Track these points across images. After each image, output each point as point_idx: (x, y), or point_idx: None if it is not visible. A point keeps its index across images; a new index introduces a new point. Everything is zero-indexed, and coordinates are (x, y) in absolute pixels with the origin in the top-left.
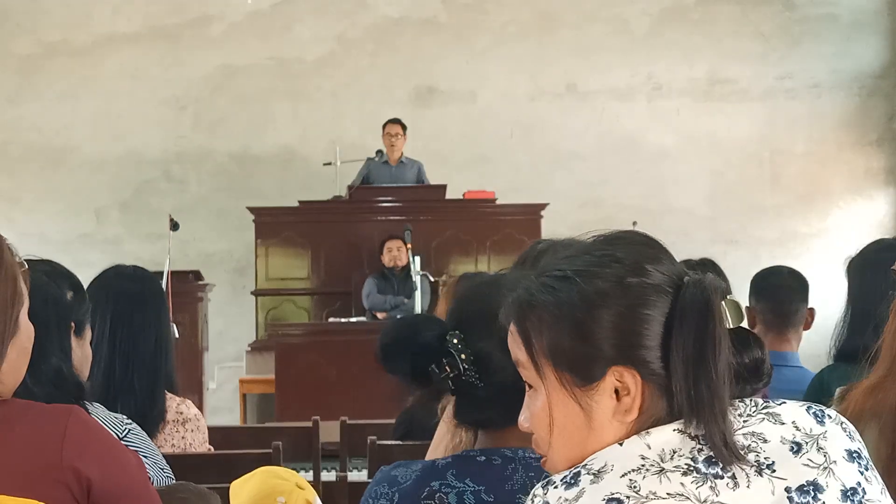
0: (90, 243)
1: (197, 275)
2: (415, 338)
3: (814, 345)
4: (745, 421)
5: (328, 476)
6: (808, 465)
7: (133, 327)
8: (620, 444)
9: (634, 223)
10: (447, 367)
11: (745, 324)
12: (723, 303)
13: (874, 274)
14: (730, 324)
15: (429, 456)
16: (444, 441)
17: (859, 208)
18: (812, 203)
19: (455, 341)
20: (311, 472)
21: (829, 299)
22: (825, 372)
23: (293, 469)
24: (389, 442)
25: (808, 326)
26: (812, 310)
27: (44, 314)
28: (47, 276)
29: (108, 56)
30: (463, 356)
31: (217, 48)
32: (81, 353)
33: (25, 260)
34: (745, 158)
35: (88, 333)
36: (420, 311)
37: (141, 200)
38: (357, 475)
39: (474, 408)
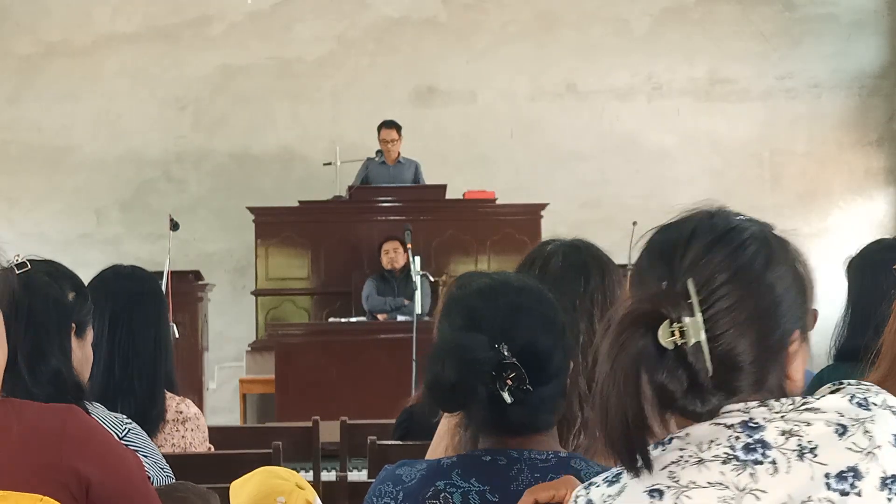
0: (90, 243)
1: (197, 275)
2: (478, 363)
3: (814, 345)
4: (782, 416)
5: (328, 476)
6: (851, 448)
7: (132, 327)
8: (663, 447)
9: (634, 223)
10: (508, 380)
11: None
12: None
13: (874, 274)
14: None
15: (429, 455)
16: (444, 440)
17: (859, 208)
18: (812, 203)
19: (507, 353)
20: (311, 472)
21: (829, 299)
22: (825, 372)
23: (293, 469)
24: (389, 442)
25: (809, 328)
26: (815, 311)
27: (44, 315)
28: (49, 276)
29: (108, 56)
30: (518, 364)
31: (217, 48)
32: (82, 354)
33: (28, 260)
34: (746, 158)
35: (90, 334)
36: (420, 312)
37: (141, 200)
38: (357, 475)
39: (521, 415)
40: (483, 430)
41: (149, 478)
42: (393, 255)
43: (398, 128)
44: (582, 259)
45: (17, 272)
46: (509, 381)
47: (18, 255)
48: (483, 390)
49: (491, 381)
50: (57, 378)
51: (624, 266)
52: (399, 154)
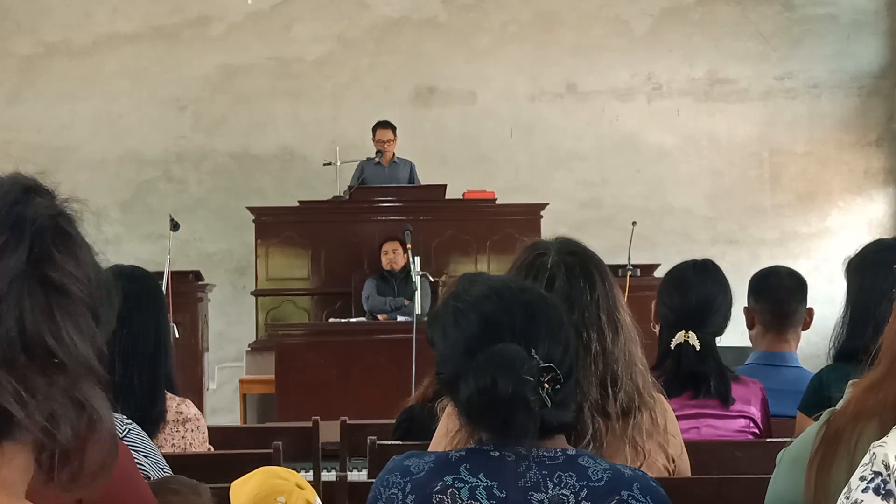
0: (90, 243)
1: (197, 275)
2: (527, 373)
3: (813, 345)
4: None
5: (328, 476)
6: None
7: (132, 327)
8: None
9: (634, 223)
10: (546, 384)
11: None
12: None
13: (873, 274)
14: None
15: None
16: (441, 443)
17: (859, 208)
18: (811, 203)
19: (538, 357)
20: (311, 472)
21: (828, 299)
22: (824, 372)
23: (293, 469)
24: (389, 442)
25: (806, 327)
26: (811, 310)
27: None
28: None
29: (108, 56)
30: (549, 366)
31: (217, 48)
32: None
33: None
34: (745, 158)
35: None
36: (420, 312)
37: (141, 200)
38: (357, 475)
39: (547, 419)
40: (507, 436)
41: (147, 478)
42: (392, 256)
43: (393, 128)
44: (584, 266)
45: None
46: (546, 385)
47: None
48: (534, 400)
49: (534, 390)
50: None
51: (623, 266)
52: (394, 154)
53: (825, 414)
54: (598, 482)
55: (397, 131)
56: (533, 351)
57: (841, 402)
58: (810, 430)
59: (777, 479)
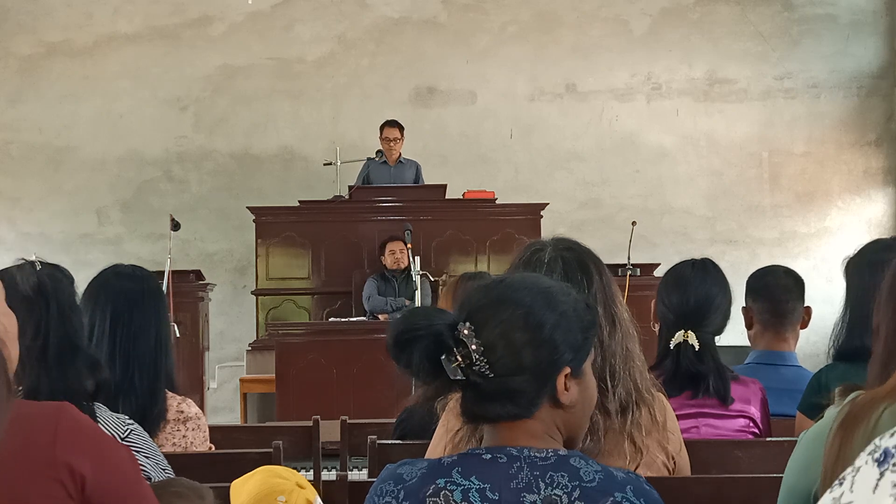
0: (91, 243)
1: (198, 274)
2: (428, 326)
3: (813, 345)
4: None
5: (328, 475)
6: None
7: (132, 326)
8: None
9: (634, 223)
10: (458, 357)
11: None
12: None
13: (872, 274)
14: None
15: (428, 456)
16: (443, 441)
17: (858, 208)
18: (811, 203)
19: (466, 332)
20: (311, 472)
21: (827, 299)
22: (823, 371)
23: (293, 468)
24: (389, 441)
25: (804, 325)
26: (809, 308)
27: (72, 311)
28: (64, 276)
29: (109, 56)
30: (474, 346)
31: (218, 48)
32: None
33: (28, 262)
34: (744, 158)
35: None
36: None
37: (142, 200)
38: (357, 474)
39: (483, 401)
40: (467, 415)
41: (148, 478)
42: (399, 256)
43: (401, 128)
44: (581, 261)
45: (38, 269)
46: (459, 359)
47: (34, 256)
48: (419, 351)
49: (432, 347)
50: (94, 370)
51: (623, 265)
52: (400, 154)
53: (851, 395)
54: (590, 483)
55: (404, 132)
56: (466, 326)
57: (832, 408)
58: (831, 412)
59: (794, 458)
